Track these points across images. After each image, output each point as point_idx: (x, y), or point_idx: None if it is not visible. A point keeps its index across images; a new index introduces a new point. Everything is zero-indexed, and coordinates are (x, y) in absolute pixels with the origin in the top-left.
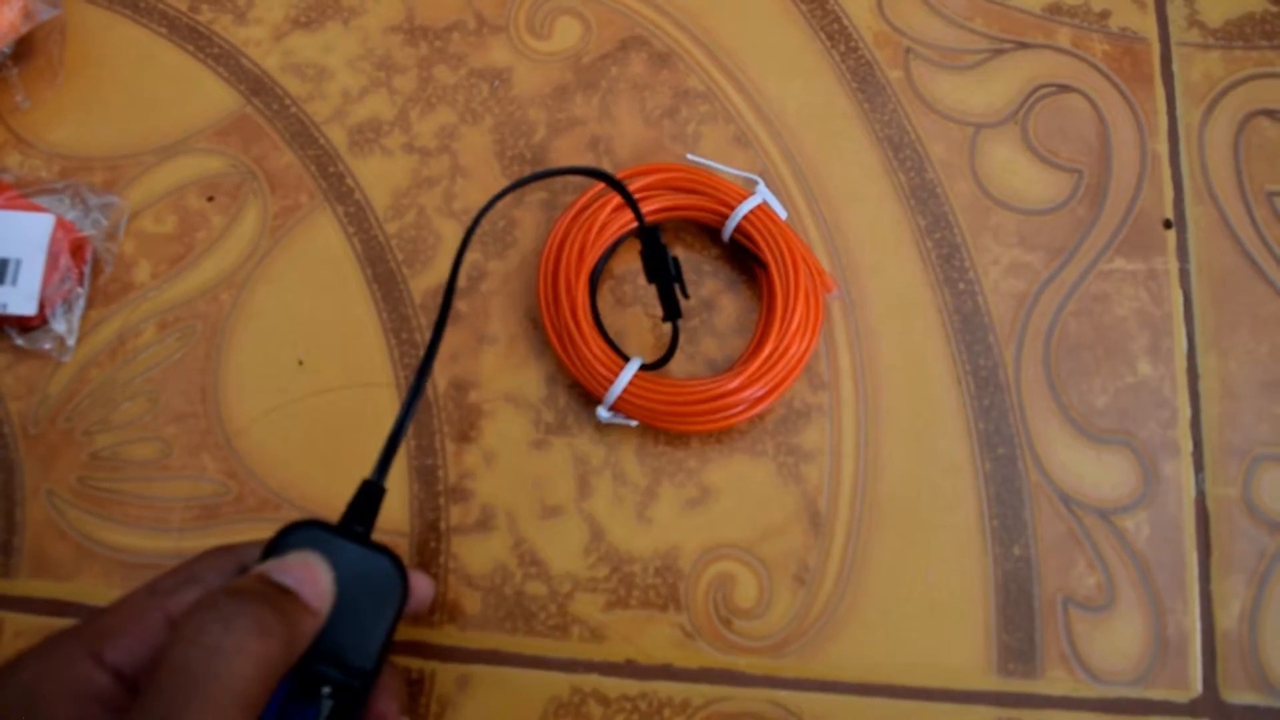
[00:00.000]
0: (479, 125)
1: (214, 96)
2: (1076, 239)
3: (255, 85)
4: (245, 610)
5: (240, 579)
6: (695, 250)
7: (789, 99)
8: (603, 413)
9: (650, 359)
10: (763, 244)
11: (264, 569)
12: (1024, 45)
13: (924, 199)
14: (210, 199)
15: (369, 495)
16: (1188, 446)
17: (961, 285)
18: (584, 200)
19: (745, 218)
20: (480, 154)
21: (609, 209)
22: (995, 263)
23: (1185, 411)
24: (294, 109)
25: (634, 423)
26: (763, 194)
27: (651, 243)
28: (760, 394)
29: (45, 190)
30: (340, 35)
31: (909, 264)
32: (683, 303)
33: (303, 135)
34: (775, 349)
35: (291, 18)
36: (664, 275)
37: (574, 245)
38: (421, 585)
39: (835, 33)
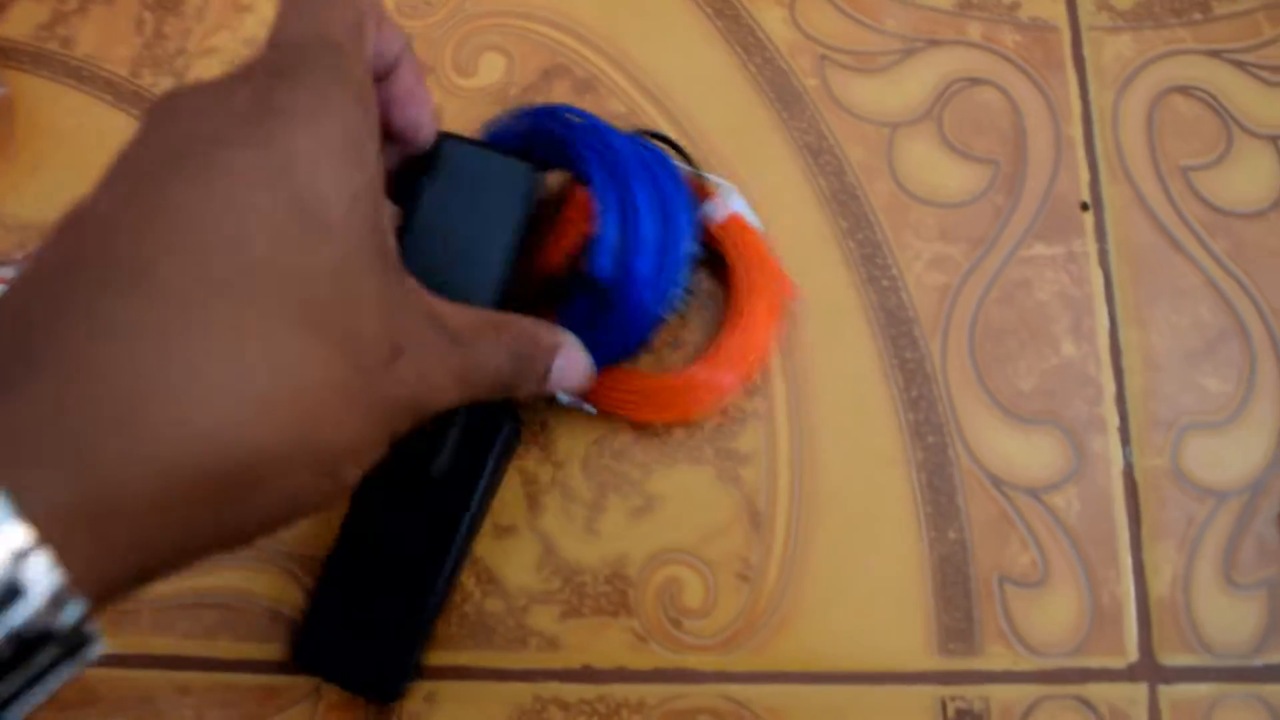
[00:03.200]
0: None
1: None
2: (996, 228)
3: None
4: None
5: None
6: None
7: (708, 114)
8: (562, 395)
9: None
10: (728, 246)
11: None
12: (936, 43)
13: (844, 202)
14: None
15: None
16: (1114, 421)
17: (885, 283)
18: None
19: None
20: None
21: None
22: (917, 258)
23: (1110, 387)
24: None
25: (592, 410)
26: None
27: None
28: (720, 385)
29: (7, 262)
30: None
31: (833, 267)
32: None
33: None
34: (737, 344)
35: None
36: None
37: (552, 236)
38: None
39: (751, 45)
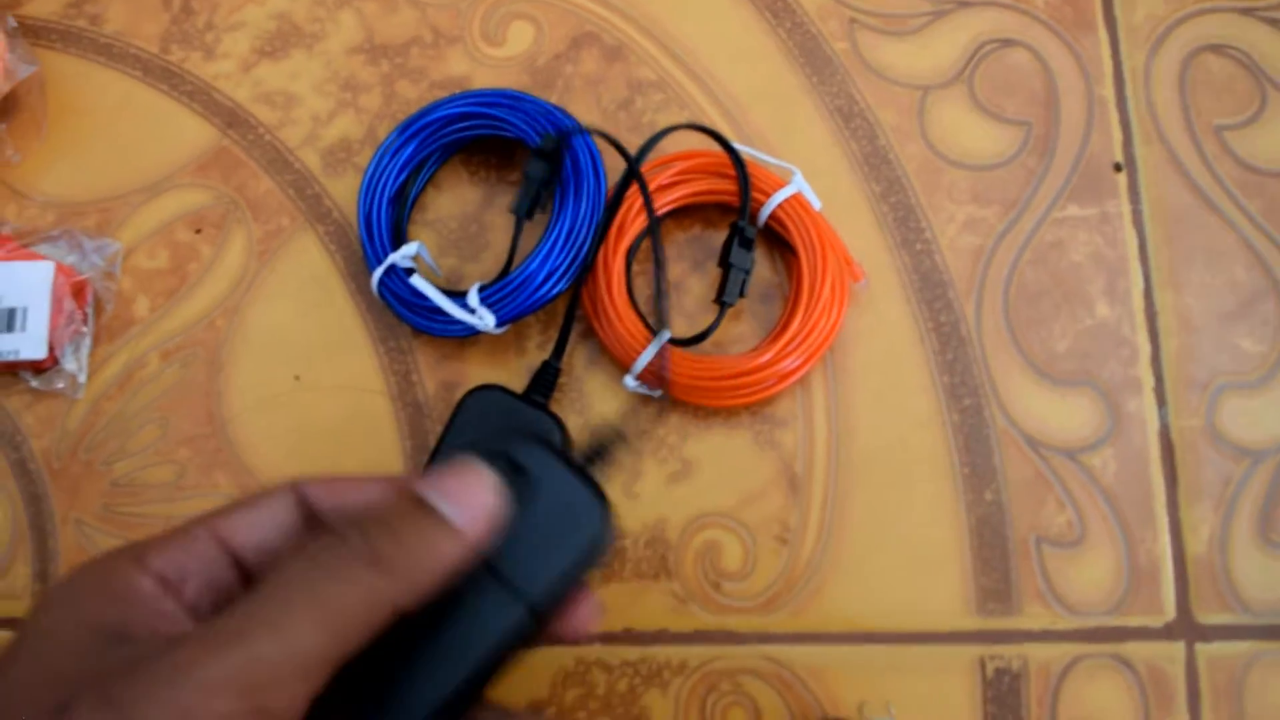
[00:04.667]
0: None
1: (192, 132)
2: (1029, 190)
3: (229, 118)
4: (358, 537)
5: (390, 497)
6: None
7: (738, 80)
8: (629, 381)
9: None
10: (794, 232)
11: (414, 486)
12: (965, 4)
13: (876, 165)
14: (198, 231)
15: (547, 372)
16: (1150, 382)
17: (919, 245)
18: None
19: (779, 205)
20: (447, 163)
21: (651, 190)
22: (950, 220)
23: (1145, 349)
24: (268, 137)
25: (658, 393)
26: (798, 184)
27: (744, 238)
28: (788, 369)
29: (43, 239)
30: (305, 61)
31: (866, 230)
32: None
33: (279, 161)
34: (798, 332)
35: (257, 49)
36: (739, 268)
37: (615, 220)
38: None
39: (780, 10)
